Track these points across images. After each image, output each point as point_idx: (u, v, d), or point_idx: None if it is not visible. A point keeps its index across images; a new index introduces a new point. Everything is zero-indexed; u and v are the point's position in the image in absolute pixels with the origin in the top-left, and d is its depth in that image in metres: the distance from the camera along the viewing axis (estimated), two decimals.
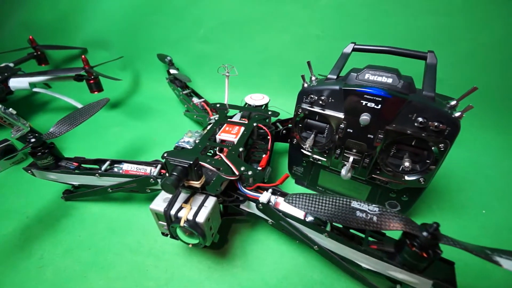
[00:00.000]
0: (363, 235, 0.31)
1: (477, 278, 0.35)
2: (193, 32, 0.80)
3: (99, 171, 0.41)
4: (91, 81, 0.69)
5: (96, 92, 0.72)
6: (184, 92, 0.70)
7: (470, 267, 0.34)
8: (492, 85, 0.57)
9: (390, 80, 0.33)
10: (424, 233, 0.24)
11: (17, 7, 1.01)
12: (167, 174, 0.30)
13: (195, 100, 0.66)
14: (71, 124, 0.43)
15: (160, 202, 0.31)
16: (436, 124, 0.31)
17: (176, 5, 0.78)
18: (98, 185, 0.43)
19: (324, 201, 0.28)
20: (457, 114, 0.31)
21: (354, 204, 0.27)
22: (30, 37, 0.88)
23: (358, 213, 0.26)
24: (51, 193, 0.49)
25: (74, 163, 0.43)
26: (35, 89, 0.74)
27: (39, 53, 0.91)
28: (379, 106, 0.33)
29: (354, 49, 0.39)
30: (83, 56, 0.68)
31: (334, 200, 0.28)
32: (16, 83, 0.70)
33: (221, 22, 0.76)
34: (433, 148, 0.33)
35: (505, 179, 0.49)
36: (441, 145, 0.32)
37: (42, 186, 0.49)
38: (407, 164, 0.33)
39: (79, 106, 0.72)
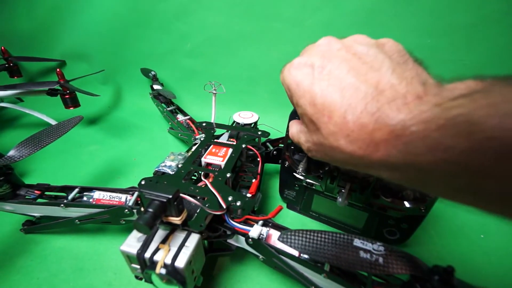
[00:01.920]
0: (365, 273, 0.28)
1: None
2: (179, 47, 0.77)
3: (65, 201, 0.36)
4: (66, 96, 0.64)
5: (71, 108, 0.67)
6: (168, 108, 0.66)
7: None
8: None
9: None
10: (436, 277, 0.21)
11: None
12: (142, 209, 0.26)
13: (180, 117, 0.62)
14: (35, 147, 0.38)
15: (133, 241, 0.27)
16: None
17: (162, 19, 0.76)
18: (64, 217, 0.37)
19: (323, 239, 0.25)
20: None
21: (357, 242, 0.24)
22: (2, 47, 0.82)
23: (362, 254, 0.23)
24: (8, 224, 0.42)
25: (35, 192, 0.38)
26: (2, 104, 0.67)
27: (11, 64, 0.85)
28: None
29: None
30: (57, 70, 0.63)
31: (334, 238, 0.25)
32: None
33: (208, 37, 0.74)
34: None
35: None
36: None
37: None
38: (408, 191, 0.31)
39: (52, 122, 0.67)
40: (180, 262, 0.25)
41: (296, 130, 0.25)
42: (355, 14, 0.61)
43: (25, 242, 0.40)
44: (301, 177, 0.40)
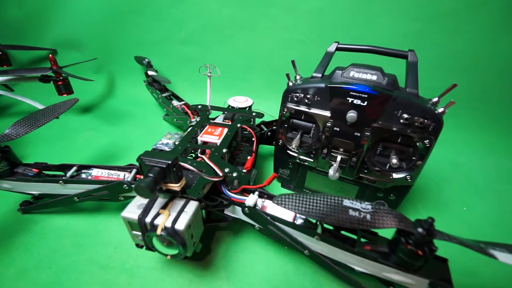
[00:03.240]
0: (355, 237, 0.30)
1: (466, 275, 0.34)
2: (173, 34, 0.77)
3: (64, 178, 0.37)
4: (60, 83, 0.64)
5: (65, 95, 0.66)
6: (163, 95, 0.67)
7: (458, 265, 0.34)
8: (463, 86, 0.60)
9: (375, 78, 0.33)
10: (419, 229, 0.23)
11: None
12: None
13: (175, 103, 0.62)
14: (31, 126, 0.38)
15: (133, 208, 0.28)
16: (421, 120, 0.31)
17: (155, 5, 0.75)
18: (63, 194, 0.38)
19: (315, 201, 0.26)
20: (440, 110, 0.31)
21: (346, 202, 0.26)
22: None
23: (351, 212, 0.25)
24: (4, 205, 0.42)
25: (33, 170, 0.38)
26: None
27: (0, 53, 0.83)
28: (365, 103, 0.33)
29: (337, 48, 0.39)
30: (50, 56, 0.62)
31: (325, 199, 0.26)
32: None
33: (203, 24, 0.74)
34: (418, 144, 0.33)
35: (483, 177, 0.51)
36: (426, 141, 0.32)
37: None
38: (394, 161, 0.33)
39: None
40: (180, 225, 0.26)
41: None
42: (348, 0, 0.62)
43: (24, 221, 0.41)
44: (295, 154, 0.41)
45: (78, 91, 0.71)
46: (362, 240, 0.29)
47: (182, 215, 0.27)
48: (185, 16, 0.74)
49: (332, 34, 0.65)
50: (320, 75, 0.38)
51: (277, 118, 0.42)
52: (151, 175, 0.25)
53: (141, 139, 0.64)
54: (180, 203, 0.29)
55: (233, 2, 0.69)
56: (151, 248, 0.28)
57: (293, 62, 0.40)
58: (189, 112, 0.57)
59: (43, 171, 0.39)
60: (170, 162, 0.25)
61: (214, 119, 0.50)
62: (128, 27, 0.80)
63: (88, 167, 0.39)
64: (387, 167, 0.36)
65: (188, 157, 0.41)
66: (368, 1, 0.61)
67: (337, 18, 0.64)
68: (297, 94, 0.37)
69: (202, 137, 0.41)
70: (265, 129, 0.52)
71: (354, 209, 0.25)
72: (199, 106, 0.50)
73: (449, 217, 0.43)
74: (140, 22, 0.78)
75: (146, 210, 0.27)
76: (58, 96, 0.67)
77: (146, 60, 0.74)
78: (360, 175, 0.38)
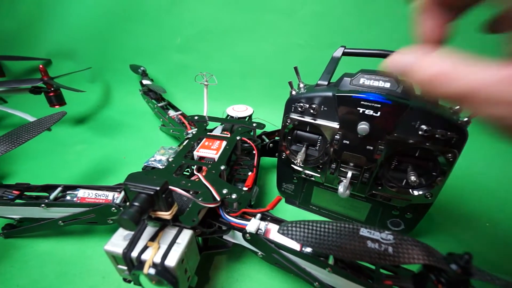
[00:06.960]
0: (373, 266, 0.26)
1: None
2: (169, 41, 0.75)
3: (46, 201, 0.33)
4: (51, 94, 0.61)
5: (57, 106, 0.64)
6: (159, 104, 0.64)
7: None
8: None
9: (388, 85, 0.30)
10: (453, 267, 0.20)
11: None
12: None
13: (171, 113, 0.59)
14: (13, 143, 0.35)
15: (118, 240, 0.24)
16: (442, 132, 0.27)
17: (149, 13, 0.73)
18: (46, 218, 0.34)
19: (326, 230, 0.23)
20: (464, 119, 0.28)
21: (363, 231, 0.22)
22: None
23: (370, 244, 0.21)
24: None
25: (14, 192, 0.35)
26: None
27: None
28: (378, 113, 0.29)
29: (344, 53, 0.36)
30: (40, 66, 0.60)
31: (338, 228, 0.23)
32: None
33: (199, 31, 0.72)
34: (439, 158, 0.29)
35: (503, 188, 0.47)
36: (449, 155, 0.28)
37: None
38: (413, 178, 0.29)
39: None
40: (171, 261, 0.22)
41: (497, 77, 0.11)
42: (347, 4, 0.60)
43: (6, 247, 0.37)
44: (300, 169, 0.38)
45: (72, 102, 0.68)
46: (381, 271, 0.26)
47: (174, 248, 0.24)
48: (181, 23, 0.72)
49: (333, 38, 0.62)
50: (326, 83, 0.34)
51: (279, 127, 0.39)
52: (136, 204, 0.21)
53: (136, 151, 0.61)
54: (172, 232, 0.25)
55: (230, 8, 0.67)
56: (139, 284, 0.25)
57: (295, 68, 0.36)
58: (185, 122, 0.54)
59: (25, 193, 0.36)
60: (158, 188, 0.22)
61: (211, 130, 0.46)
62: (123, 35, 0.78)
63: (74, 187, 0.36)
64: (403, 184, 0.32)
65: (184, 173, 0.38)
66: (367, 5, 0.58)
67: (338, 22, 0.61)
68: (302, 104, 0.34)
69: (199, 152, 0.37)
70: (267, 140, 0.49)
71: (373, 240, 0.22)
72: (196, 117, 0.47)
73: (473, 235, 0.39)
74: (135, 29, 0.76)
75: (133, 242, 0.24)
76: (50, 108, 0.64)
77: (141, 68, 0.72)
78: (373, 192, 0.34)
